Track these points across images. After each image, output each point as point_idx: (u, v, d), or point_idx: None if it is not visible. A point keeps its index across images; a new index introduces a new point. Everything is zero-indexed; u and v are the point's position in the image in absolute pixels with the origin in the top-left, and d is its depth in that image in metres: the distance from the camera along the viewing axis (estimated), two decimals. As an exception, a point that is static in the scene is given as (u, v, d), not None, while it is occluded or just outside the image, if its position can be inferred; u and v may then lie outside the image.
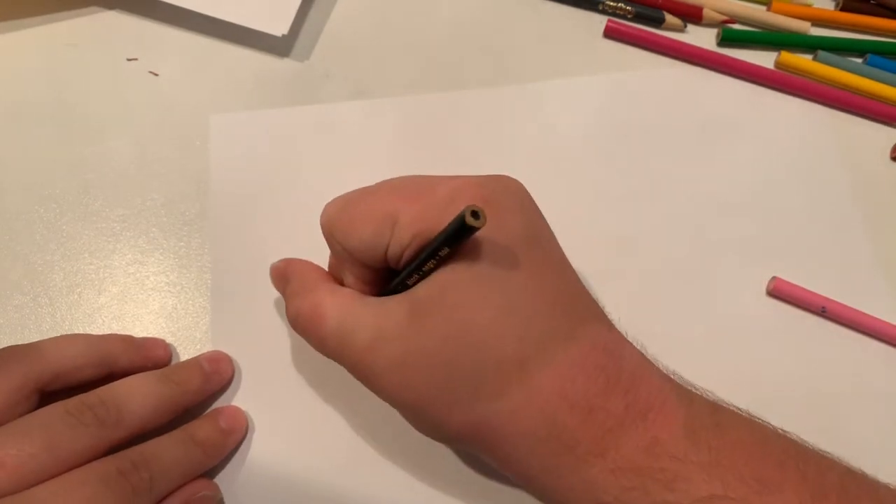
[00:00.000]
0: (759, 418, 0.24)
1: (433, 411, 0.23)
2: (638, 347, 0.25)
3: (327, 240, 0.26)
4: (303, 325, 0.26)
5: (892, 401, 0.32)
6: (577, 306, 0.24)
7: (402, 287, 0.24)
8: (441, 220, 0.22)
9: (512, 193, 0.25)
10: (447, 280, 0.23)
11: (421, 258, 0.23)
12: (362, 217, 0.25)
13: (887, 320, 0.32)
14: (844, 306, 0.33)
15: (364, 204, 0.25)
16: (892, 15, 0.41)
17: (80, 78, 0.37)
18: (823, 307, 0.33)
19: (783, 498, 0.21)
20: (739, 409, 0.24)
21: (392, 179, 0.26)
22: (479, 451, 0.25)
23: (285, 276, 0.29)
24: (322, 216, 0.26)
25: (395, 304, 0.24)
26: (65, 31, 0.38)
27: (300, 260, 0.29)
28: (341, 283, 0.27)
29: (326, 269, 0.29)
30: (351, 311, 0.25)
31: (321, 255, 0.33)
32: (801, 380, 0.32)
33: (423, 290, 0.23)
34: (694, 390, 0.24)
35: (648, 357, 0.24)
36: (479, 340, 0.22)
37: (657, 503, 0.21)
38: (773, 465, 0.22)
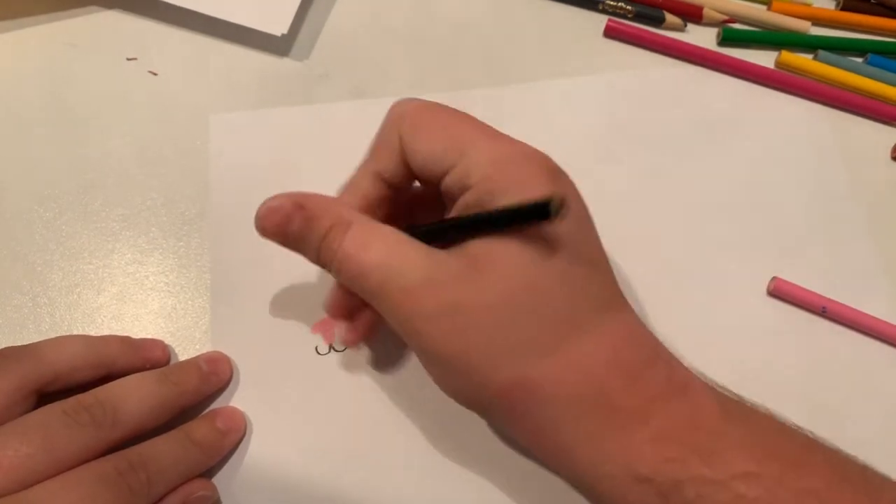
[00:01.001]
0: (778, 414, 0.24)
1: (479, 364, 0.23)
2: None
3: (386, 130, 0.26)
4: (343, 257, 0.24)
5: (892, 401, 0.32)
6: (616, 292, 0.25)
7: (446, 233, 0.24)
8: (510, 176, 0.23)
9: (569, 179, 0.25)
10: (511, 244, 0.23)
11: (481, 217, 0.23)
12: (440, 127, 0.24)
13: (887, 320, 0.32)
14: (845, 306, 0.33)
15: (445, 116, 0.25)
16: (893, 14, 0.41)
17: (80, 78, 0.37)
18: (824, 307, 0.33)
19: (813, 480, 0.21)
20: (759, 405, 0.25)
21: (470, 116, 0.26)
22: (510, 416, 0.24)
23: (303, 212, 0.25)
24: (396, 105, 0.26)
25: (447, 256, 0.23)
26: (65, 31, 0.38)
27: (313, 193, 0.26)
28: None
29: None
30: (400, 248, 0.24)
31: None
32: (801, 380, 0.32)
33: (482, 247, 0.23)
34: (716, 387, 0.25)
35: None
36: (537, 301, 0.23)
37: (695, 477, 0.21)
38: (801, 450, 0.22)
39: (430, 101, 0.26)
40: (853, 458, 0.23)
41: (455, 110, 0.26)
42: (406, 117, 0.25)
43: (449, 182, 0.24)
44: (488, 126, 0.25)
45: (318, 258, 0.25)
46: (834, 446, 0.23)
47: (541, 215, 0.21)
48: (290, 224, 0.26)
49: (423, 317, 0.23)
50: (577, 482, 0.24)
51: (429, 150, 0.24)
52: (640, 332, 0.24)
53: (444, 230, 0.24)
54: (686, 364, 0.25)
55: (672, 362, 0.24)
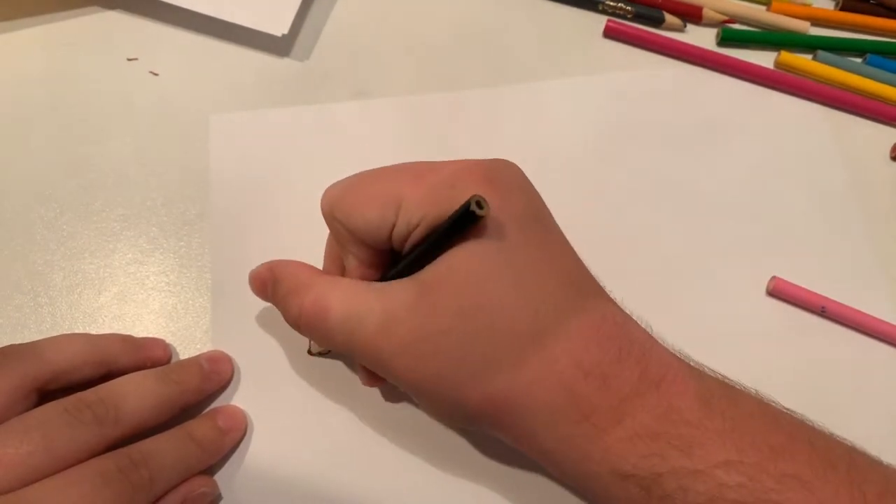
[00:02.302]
0: (766, 397, 0.24)
1: (449, 389, 0.24)
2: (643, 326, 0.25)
3: (329, 222, 0.27)
4: (307, 322, 0.26)
5: (891, 400, 0.32)
6: (583, 282, 0.25)
7: (406, 271, 0.24)
8: (447, 201, 0.23)
9: (511, 174, 0.25)
10: (454, 260, 0.23)
11: (425, 244, 0.24)
12: (367, 198, 0.25)
13: (887, 320, 0.32)
14: (844, 306, 0.33)
15: (368, 186, 0.26)
16: (892, 15, 0.41)
17: (80, 78, 0.37)
18: (823, 307, 0.33)
19: (796, 465, 0.21)
20: (747, 388, 0.24)
21: (392, 165, 0.26)
22: (495, 428, 0.25)
23: (273, 278, 0.28)
24: (323, 199, 0.26)
25: (400, 288, 0.24)
26: (65, 31, 0.39)
27: (286, 261, 0.29)
28: (339, 274, 0.27)
29: (320, 268, 0.29)
30: (355, 298, 0.25)
31: (322, 255, 0.33)
32: (801, 379, 0.32)
33: (430, 272, 0.23)
34: (703, 369, 0.25)
35: (654, 335, 0.25)
36: (492, 315, 0.23)
37: (674, 469, 0.22)
38: (784, 435, 0.22)
39: (350, 178, 0.26)
40: (840, 442, 0.23)
41: (376, 172, 0.26)
42: (337, 204, 0.26)
43: (395, 237, 0.25)
44: (416, 166, 0.26)
45: (288, 321, 0.27)
46: (822, 429, 0.23)
47: (467, 220, 0.22)
48: (265, 290, 0.29)
49: (389, 356, 0.24)
50: (565, 480, 0.25)
51: (367, 221, 0.25)
52: (610, 327, 0.24)
53: (401, 272, 0.25)
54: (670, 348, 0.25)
55: (647, 352, 0.24)
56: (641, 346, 0.24)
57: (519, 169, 0.26)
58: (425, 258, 0.24)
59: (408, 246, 0.25)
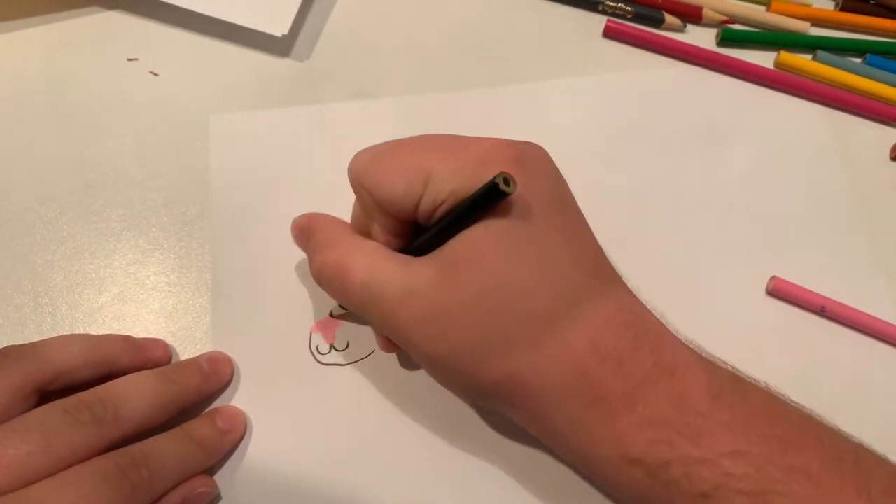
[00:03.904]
0: (776, 391, 0.24)
1: (464, 365, 0.24)
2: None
3: (355, 189, 0.27)
4: (328, 278, 0.27)
5: (891, 400, 0.32)
6: (603, 268, 0.25)
7: (428, 245, 0.25)
8: (475, 178, 0.23)
9: (540, 158, 0.25)
10: (478, 238, 0.23)
11: (449, 219, 0.24)
12: (395, 169, 0.25)
13: (887, 320, 0.32)
14: (844, 306, 0.33)
15: (397, 156, 0.26)
16: (892, 15, 0.41)
17: (80, 78, 0.37)
18: (823, 306, 0.33)
19: (804, 458, 0.21)
20: (757, 381, 0.25)
21: (421, 136, 0.26)
22: (507, 406, 0.25)
23: (309, 229, 0.29)
24: (351, 165, 0.26)
25: (423, 264, 0.24)
26: (65, 31, 0.39)
27: (324, 214, 0.29)
28: (366, 237, 0.27)
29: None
30: (378, 265, 0.25)
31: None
32: (801, 379, 0.32)
33: (453, 248, 0.24)
34: (715, 362, 0.25)
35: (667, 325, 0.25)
36: (513, 295, 0.23)
37: (682, 457, 0.22)
38: (793, 429, 0.22)
39: (379, 146, 0.26)
40: (848, 439, 0.23)
41: (408, 142, 0.26)
42: (365, 172, 0.26)
43: (422, 210, 0.25)
44: (446, 141, 0.26)
45: (312, 274, 0.28)
46: (830, 425, 0.24)
47: (494, 196, 0.22)
48: (302, 238, 0.29)
49: (406, 326, 0.24)
50: (573, 462, 0.25)
51: (394, 192, 0.25)
52: (626, 313, 0.24)
53: (424, 245, 0.25)
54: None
55: (662, 341, 0.24)
56: (656, 335, 0.24)
57: (547, 154, 0.26)
58: (449, 232, 0.24)
59: (433, 220, 0.25)
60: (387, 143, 0.26)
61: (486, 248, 0.23)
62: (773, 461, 0.21)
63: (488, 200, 0.22)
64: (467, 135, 0.25)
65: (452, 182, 0.24)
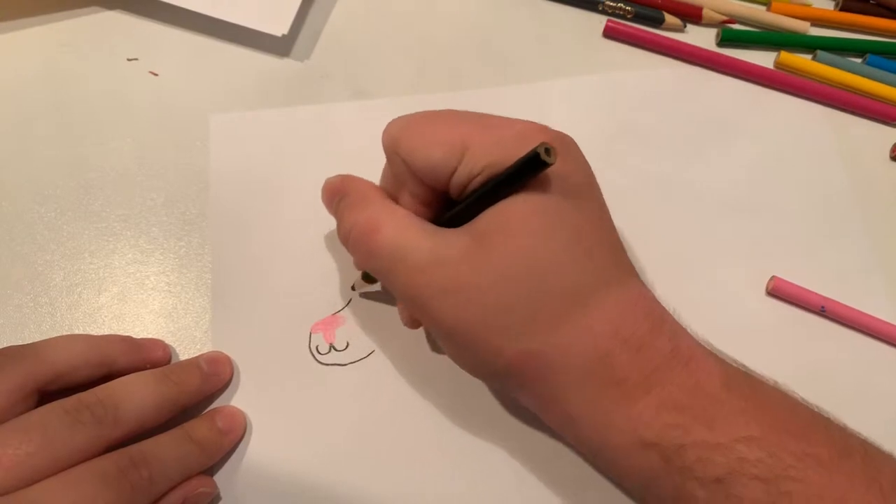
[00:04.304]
0: (785, 387, 0.25)
1: (486, 340, 0.24)
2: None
3: (389, 156, 0.27)
4: (356, 238, 0.26)
5: (890, 400, 0.32)
6: (623, 260, 0.25)
7: (460, 218, 0.25)
8: (513, 153, 0.23)
9: (574, 146, 0.26)
10: (515, 208, 0.23)
11: (484, 189, 0.24)
12: (433, 138, 0.25)
13: (887, 320, 0.32)
14: (843, 305, 0.33)
15: (436, 126, 0.26)
16: (892, 15, 0.41)
17: (80, 78, 0.37)
18: (822, 306, 0.33)
19: (814, 449, 0.22)
20: (766, 378, 0.25)
21: (456, 111, 0.26)
22: (521, 386, 0.25)
23: (341, 189, 0.28)
24: (386, 131, 0.26)
25: (454, 234, 0.24)
26: (64, 31, 0.39)
27: (357, 177, 0.29)
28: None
29: None
30: (407, 231, 0.25)
31: (322, 255, 0.33)
32: (801, 379, 0.32)
33: (486, 219, 0.24)
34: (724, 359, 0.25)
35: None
36: (541, 271, 0.23)
37: (697, 441, 0.22)
38: (803, 422, 0.23)
39: (415, 115, 0.26)
40: (855, 434, 0.24)
41: (442, 113, 0.26)
42: (401, 139, 0.26)
43: (455, 181, 0.25)
44: (482, 117, 0.26)
45: (340, 234, 0.28)
46: (838, 421, 0.24)
47: (533, 166, 0.22)
48: (332, 200, 0.29)
49: (429, 295, 0.24)
50: (584, 447, 0.25)
51: (429, 160, 0.25)
52: (646, 302, 0.25)
53: (455, 217, 0.25)
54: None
55: (678, 332, 0.24)
56: (672, 326, 0.24)
57: (574, 141, 0.26)
58: (482, 205, 0.24)
59: (466, 192, 0.25)
60: (423, 112, 0.26)
61: (522, 219, 0.23)
62: (787, 447, 0.21)
63: (529, 170, 0.22)
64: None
65: (490, 156, 0.24)
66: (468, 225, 0.24)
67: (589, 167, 0.26)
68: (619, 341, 0.23)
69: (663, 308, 0.25)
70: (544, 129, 0.25)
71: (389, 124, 0.26)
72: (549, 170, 0.22)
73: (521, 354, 0.24)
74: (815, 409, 0.24)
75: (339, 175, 0.29)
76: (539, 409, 0.26)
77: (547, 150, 0.21)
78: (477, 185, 0.24)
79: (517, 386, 0.25)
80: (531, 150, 0.22)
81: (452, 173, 0.24)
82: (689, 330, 0.25)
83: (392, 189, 0.28)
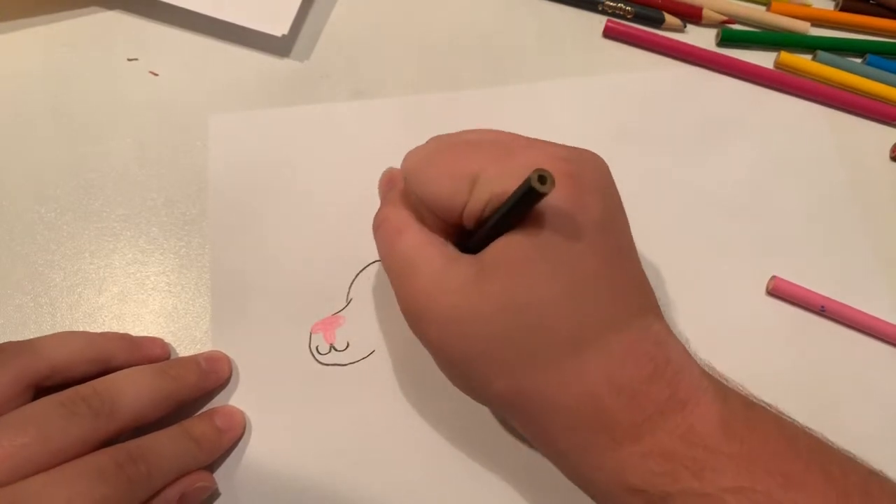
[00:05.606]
0: (786, 416, 0.24)
1: (479, 371, 0.24)
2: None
3: (406, 188, 0.27)
4: (383, 231, 0.27)
5: (890, 399, 0.32)
6: (636, 297, 0.25)
7: (478, 245, 0.24)
8: (517, 184, 0.22)
9: (597, 173, 0.25)
10: (512, 244, 0.23)
11: (491, 220, 0.23)
12: (442, 172, 0.25)
13: (887, 320, 0.32)
14: (844, 305, 0.33)
15: (446, 158, 0.25)
16: (892, 15, 0.41)
17: (80, 78, 0.37)
18: (823, 306, 0.33)
19: (807, 495, 0.21)
20: (769, 406, 0.24)
21: (475, 132, 0.26)
22: (513, 418, 0.25)
23: (395, 180, 0.29)
24: (403, 163, 0.26)
25: (465, 263, 0.24)
26: (64, 31, 0.39)
27: None
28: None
29: None
30: (426, 246, 0.25)
31: (322, 255, 0.33)
32: (801, 379, 0.32)
33: (491, 253, 0.23)
34: (728, 384, 0.25)
35: (689, 351, 0.25)
36: (538, 315, 0.23)
37: (684, 490, 0.22)
38: (800, 463, 0.22)
39: (430, 146, 0.26)
40: (857, 467, 0.23)
41: (459, 142, 0.26)
42: (415, 173, 0.26)
43: (467, 213, 0.24)
44: (501, 145, 0.25)
45: (374, 221, 0.27)
46: (840, 451, 0.23)
47: (530, 196, 0.21)
48: (384, 187, 0.30)
49: (429, 319, 0.24)
50: (574, 481, 0.25)
51: (437, 196, 0.25)
52: (649, 346, 0.23)
53: (475, 244, 0.25)
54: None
55: (679, 374, 0.23)
56: (676, 367, 0.23)
57: (604, 164, 0.25)
58: (491, 236, 0.23)
59: (479, 224, 0.25)
60: (438, 140, 0.26)
61: (518, 257, 0.23)
62: (777, 499, 0.21)
63: (525, 201, 0.21)
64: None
65: (497, 185, 0.23)
66: (478, 255, 0.24)
67: (613, 196, 0.25)
68: (613, 389, 0.22)
69: (672, 344, 0.24)
70: (563, 159, 0.24)
71: (406, 157, 0.26)
72: (564, 205, 0.21)
73: (511, 389, 0.23)
74: (816, 441, 0.23)
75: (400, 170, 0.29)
76: (529, 438, 0.25)
77: (542, 179, 0.20)
78: (487, 215, 0.24)
79: (509, 416, 0.25)
80: (524, 182, 0.21)
81: (464, 206, 0.24)
82: (697, 359, 0.24)
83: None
